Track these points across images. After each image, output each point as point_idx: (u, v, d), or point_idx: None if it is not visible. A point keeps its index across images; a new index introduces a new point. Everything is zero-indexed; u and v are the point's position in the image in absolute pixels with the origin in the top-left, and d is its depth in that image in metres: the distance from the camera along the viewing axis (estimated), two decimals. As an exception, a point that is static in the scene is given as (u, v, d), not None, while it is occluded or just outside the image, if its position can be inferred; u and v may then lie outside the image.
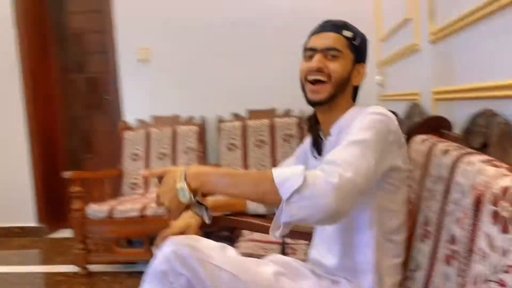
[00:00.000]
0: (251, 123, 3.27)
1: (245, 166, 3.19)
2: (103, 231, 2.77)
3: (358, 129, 0.99)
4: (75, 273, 2.81)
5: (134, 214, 2.70)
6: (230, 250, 1.13)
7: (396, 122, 1.05)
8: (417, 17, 1.96)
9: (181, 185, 0.97)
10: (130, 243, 3.27)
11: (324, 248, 1.16)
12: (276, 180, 0.89)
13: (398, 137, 1.04)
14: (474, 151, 1.01)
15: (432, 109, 1.71)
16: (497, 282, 0.64)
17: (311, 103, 1.14)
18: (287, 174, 0.89)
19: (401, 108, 2.00)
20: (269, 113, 3.36)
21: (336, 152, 0.95)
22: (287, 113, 3.34)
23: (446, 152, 1.04)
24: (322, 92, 1.10)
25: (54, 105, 3.85)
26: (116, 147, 3.60)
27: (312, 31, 1.17)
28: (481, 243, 0.71)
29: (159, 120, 3.47)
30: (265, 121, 3.26)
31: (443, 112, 1.59)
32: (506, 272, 0.61)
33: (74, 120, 3.84)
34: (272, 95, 3.41)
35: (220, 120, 3.39)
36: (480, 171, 0.84)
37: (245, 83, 3.44)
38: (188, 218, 1.23)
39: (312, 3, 3.32)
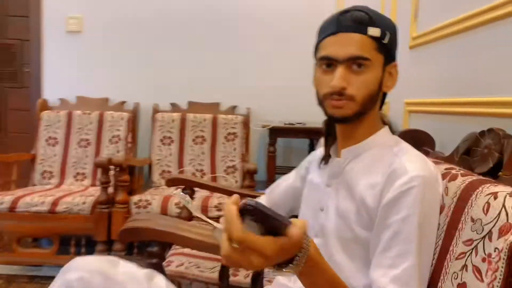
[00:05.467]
0: (191, 116, 2.97)
1: (180, 163, 2.88)
2: (2, 226, 2.33)
3: (400, 221, 0.77)
4: (-41, 274, 2.35)
5: (43, 208, 2.30)
6: (158, 280, 0.94)
7: (439, 176, 0.85)
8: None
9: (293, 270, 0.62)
10: (35, 242, 2.83)
11: None
12: None
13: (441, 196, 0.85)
14: (490, 178, 0.81)
15: (404, 122, 1.55)
16: None
17: (332, 119, 0.90)
18: None
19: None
20: (212, 108, 3.07)
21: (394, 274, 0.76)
22: (232, 110, 3.08)
23: (452, 176, 0.84)
24: (346, 109, 0.86)
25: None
26: (31, 128, 3.12)
27: (324, 27, 0.89)
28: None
29: (84, 102, 3.07)
30: (207, 116, 2.97)
31: (416, 126, 1.42)
32: None
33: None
34: (217, 88, 3.15)
35: (156, 110, 3.05)
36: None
37: (189, 72, 3.15)
38: None
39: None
